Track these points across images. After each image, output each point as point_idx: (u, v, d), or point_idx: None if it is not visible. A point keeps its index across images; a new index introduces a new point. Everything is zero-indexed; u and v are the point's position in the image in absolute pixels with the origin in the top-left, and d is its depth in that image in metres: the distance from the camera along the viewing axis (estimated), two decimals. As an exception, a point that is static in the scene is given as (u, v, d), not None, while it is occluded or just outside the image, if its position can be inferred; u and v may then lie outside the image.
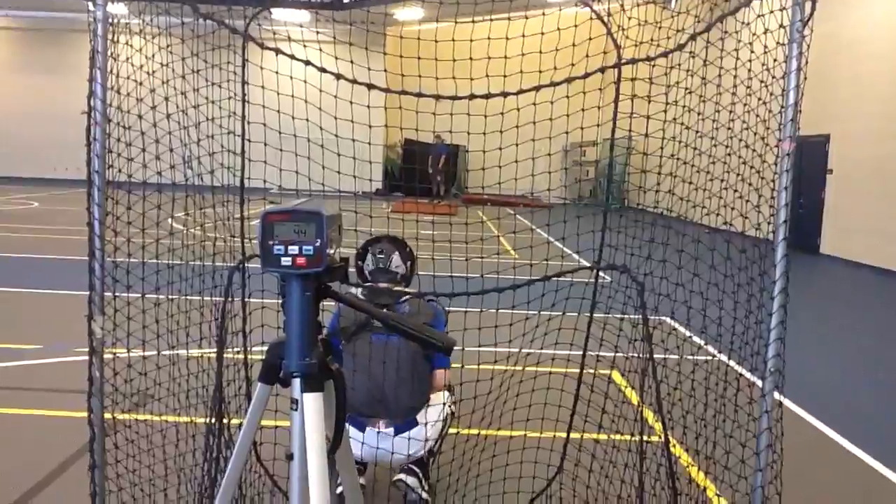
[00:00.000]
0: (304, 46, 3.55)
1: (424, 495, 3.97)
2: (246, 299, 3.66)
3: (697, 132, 3.49)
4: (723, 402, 3.32)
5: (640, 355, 3.49)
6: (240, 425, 2.19)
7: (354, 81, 3.44)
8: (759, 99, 3.21)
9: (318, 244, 1.84)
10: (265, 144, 3.68)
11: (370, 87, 3.45)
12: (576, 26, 3.71)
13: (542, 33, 3.75)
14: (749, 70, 3.22)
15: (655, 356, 3.42)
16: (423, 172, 27.58)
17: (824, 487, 4.64)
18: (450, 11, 3.66)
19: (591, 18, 3.78)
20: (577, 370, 3.89)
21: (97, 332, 3.07)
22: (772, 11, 3.08)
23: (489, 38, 3.77)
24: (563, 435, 4.03)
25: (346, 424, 2.04)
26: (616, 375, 3.92)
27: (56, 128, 30.20)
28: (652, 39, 3.46)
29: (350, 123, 3.67)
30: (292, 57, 3.48)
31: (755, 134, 3.25)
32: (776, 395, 2.96)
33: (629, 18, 3.62)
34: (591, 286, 3.76)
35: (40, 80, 31.50)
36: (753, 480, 3.00)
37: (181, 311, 3.50)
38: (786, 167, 2.93)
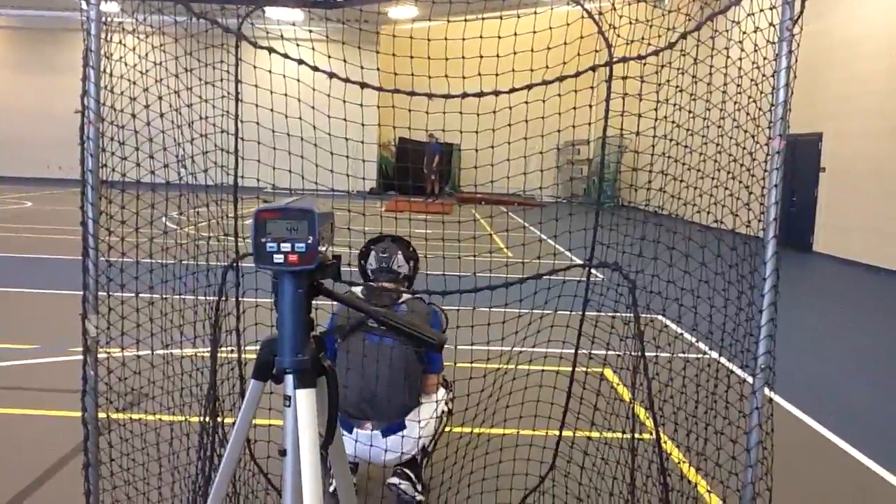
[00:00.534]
0: (298, 45, 3.56)
1: (419, 497, 3.99)
2: (239, 298, 3.67)
3: (688, 130, 3.51)
4: (714, 399, 3.34)
5: (632, 353, 3.51)
6: (233, 423, 2.20)
7: (347, 80, 3.45)
8: (750, 97, 3.23)
9: (310, 242, 1.86)
10: (258, 143, 3.69)
11: (363, 85, 3.47)
12: (567, 25, 3.73)
13: (534, 32, 3.76)
14: (739, 68, 3.24)
15: (647, 353, 3.44)
16: (416, 171, 27.62)
17: (817, 485, 4.67)
18: (442, 10, 3.68)
19: (582, 17, 3.80)
20: (570, 368, 3.91)
21: (91, 331, 3.08)
22: (762, 10, 3.10)
23: (481, 37, 3.78)
24: (556, 432, 4.05)
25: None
26: (608, 373, 3.94)
27: (49, 127, 30.16)
28: (643, 38, 3.48)
29: (343, 122, 3.68)
30: (285, 56, 3.49)
31: (745, 132, 3.27)
32: (766, 391, 2.98)
33: (620, 17, 3.63)
34: (583, 284, 3.78)
35: (34, 79, 31.43)
36: (744, 476, 3.02)
37: (175, 309, 3.51)
38: (776, 165, 2.95)
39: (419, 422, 3.96)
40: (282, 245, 1.85)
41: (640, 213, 3.63)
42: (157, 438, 3.62)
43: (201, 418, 3.52)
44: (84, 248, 3.07)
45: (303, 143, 3.82)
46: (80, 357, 3.13)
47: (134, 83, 3.37)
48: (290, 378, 1.92)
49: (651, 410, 3.42)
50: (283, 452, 1.94)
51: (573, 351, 3.85)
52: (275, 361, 1.95)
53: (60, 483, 4.17)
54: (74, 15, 27.26)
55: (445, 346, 2.13)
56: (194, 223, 3.60)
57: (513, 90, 3.45)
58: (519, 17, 3.89)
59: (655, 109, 3.49)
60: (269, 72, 3.60)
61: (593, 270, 3.73)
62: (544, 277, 3.68)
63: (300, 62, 3.49)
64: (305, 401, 1.90)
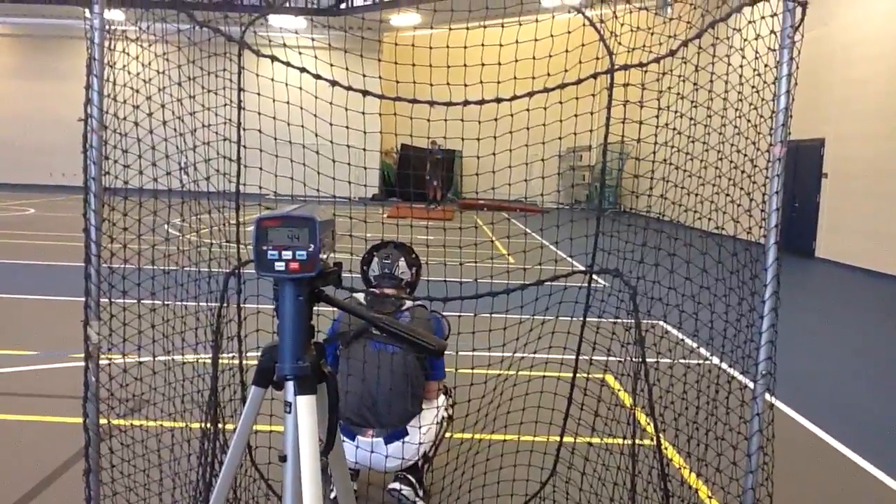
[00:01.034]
0: (300, 53, 3.58)
1: (420, 502, 3.99)
2: (241, 304, 3.68)
3: (690, 137, 3.52)
4: (715, 405, 3.34)
5: (633, 359, 3.52)
6: (234, 430, 2.20)
7: (350, 88, 3.47)
8: (751, 104, 3.24)
9: (311, 249, 1.86)
10: (261, 151, 3.71)
11: (365, 93, 3.48)
12: (569, 32, 3.74)
13: (536, 39, 3.78)
14: (741, 75, 3.25)
15: (648, 359, 3.44)
16: (418, 178, 27.63)
17: (816, 489, 4.66)
18: (444, 18, 3.70)
19: (583, 25, 3.81)
20: (571, 374, 3.91)
21: (93, 337, 3.09)
22: (763, 17, 3.11)
23: (483, 45, 3.80)
24: (557, 438, 4.05)
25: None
26: (609, 379, 3.94)
27: (53, 134, 30.23)
28: (644, 45, 3.49)
29: (345, 129, 3.70)
30: (287, 64, 3.51)
31: (746, 138, 3.28)
32: (767, 397, 2.99)
33: (621, 25, 3.65)
34: (584, 290, 3.79)
35: (37, 87, 31.50)
36: (745, 482, 3.02)
37: (176, 316, 3.52)
38: (777, 171, 2.96)
39: (420, 428, 3.96)
40: (283, 253, 1.86)
41: (641, 220, 3.64)
42: (159, 444, 3.62)
43: (202, 424, 3.52)
44: (86, 255, 3.08)
45: (305, 150, 3.83)
46: (82, 363, 3.14)
47: (137, 91, 3.39)
48: (290, 384, 1.93)
49: (652, 416, 3.42)
50: (283, 458, 1.95)
51: (574, 357, 3.86)
52: (275, 368, 1.96)
53: (61, 489, 4.17)
54: (78, 23, 27.37)
55: (446, 352, 2.13)
56: (196, 230, 3.61)
57: (514, 97, 3.47)
58: (521, 24, 3.91)
59: (657, 116, 3.50)
60: (272, 80, 3.61)
61: (595, 276, 3.73)
62: (546, 283, 3.69)
63: (303, 70, 3.50)
64: (306, 407, 1.90)
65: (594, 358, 3.77)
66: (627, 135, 3.53)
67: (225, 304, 3.55)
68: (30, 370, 6.37)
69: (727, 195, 3.38)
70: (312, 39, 3.91)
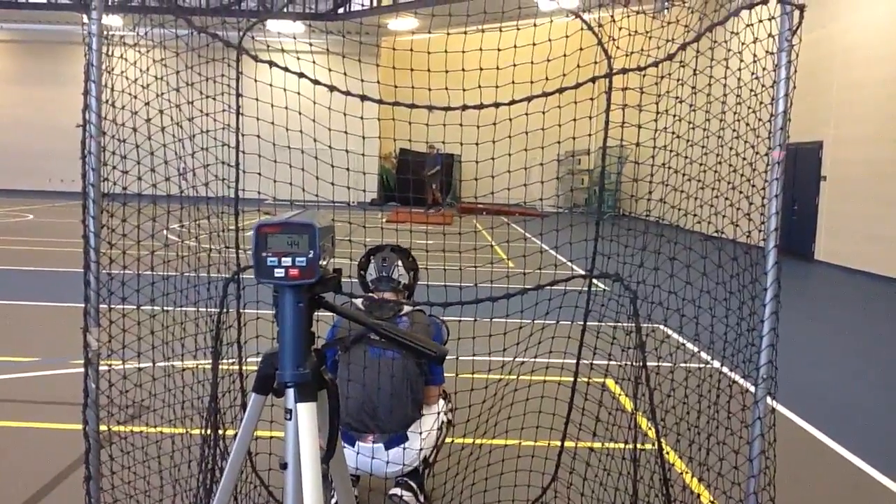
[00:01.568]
0: (298, 58, 3.58)
1: (421, 507, 3.98)
2: (241, 310, 3.68)
3: (689, 141, 3.52)
4: (716, 409, 3.33)
5: (634, 363, 3.51)
6: (235, 436, 2.20)
7: (348, 93, 3.47)
8: (750, 108, 3.24)
9: (310, 256, 1.86)
10: (259, 156, 3.70)
11: (363, 98, 3.48)
12: (567, 37, 3.74)
13: (534, 44, 3.78)
14: (739, 79, 3.25)
15: (649, 364, 3.44)
16: (417, 182, 27.65)
17: (819, 493, 4.65)
18: (442, 22, 3.70)
19: (581, 29, 3.81)
20: (571, 378, 3.91)
21: (92, 343, 3.08)
22: (761, 21, 3.11)
23: (481, 49, 3.80)
24: (558, 443, 4.05)
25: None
26: (610, 383, 3.93)
27: (51, 140, 30.21)
28: (642, 49, 3.49)
29: (344, 134, 3.69)
30: (286, 69, 3.51)
31: (746, 142, 3.27)
32: (769, 401, 2.98)
33: (620, 29, 3.65)
34: (584, 295, 3.79)
35: (36, 93, 31.50)
36: (747, 487, 3.02)
37: (176, 322, 3.51)
38: (776, 175, 2.96)
39: (421, 433, 3.95)
40: (282, 259, 1.86)
41: (640, 224, 3.63)
42: (159, 451, 3.61)
43: (202, 431, 3.52)
44: (85, 261, 3.08)
45: (303, 155, 3.83)
46: (82, 370, 3.13)
47: (135, 97, 3.38)
48: (291, 392, 1.92)
49: (653, 421, 3.42)
50: (284, 466, 1.94)
51: (575, 361, 3.85)
52: (276, 375, 1.95)
53: (61, 496, 4.16)
54: (76, 29, 27.37)
55: (447, 357, 2.13)
56: (195, 236, 3.61)
57: (513, 102, 3.47)
58: (519, 29, 3.91)
59: (655, 120, 3.50)
60: (270, 85, 3.61)
61: (594, 281, 3.73)
62: (546, 288, 3.69)
63: (301, 75, 3.50)
64: (306, 414, 1.90)
65: (595, 362, 3.77)
66: (626, 138, 3.53)
67: (225, 310, 3.54)
68: (30, 377, 6.36)
69: (726, 199, 3.37)
70: (310, 44, 3.91)
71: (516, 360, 3.88)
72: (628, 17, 3.70)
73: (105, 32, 3.06)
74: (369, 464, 3.88)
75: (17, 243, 15.25)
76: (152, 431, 3.61)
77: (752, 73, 3.18)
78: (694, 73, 3.41)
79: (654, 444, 3.48)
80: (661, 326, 3.40)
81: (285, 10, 25.09)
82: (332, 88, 3.47)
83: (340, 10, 25.72)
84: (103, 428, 3.22)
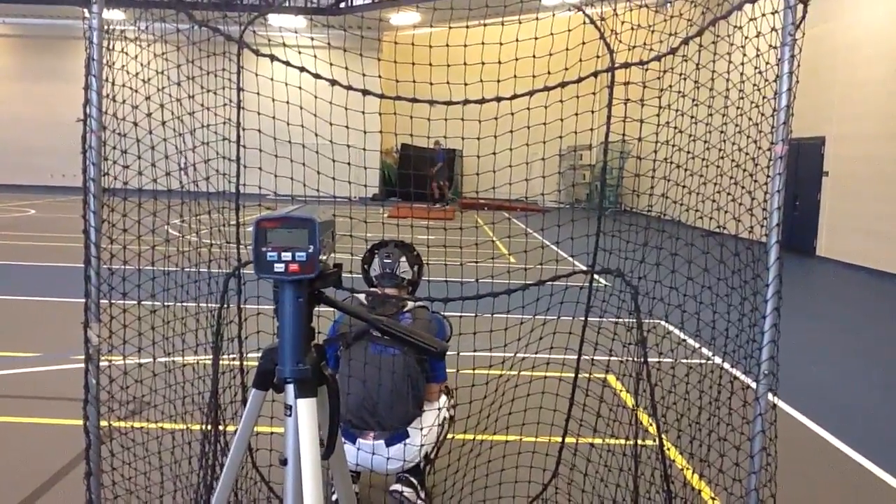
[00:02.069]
0: (300, 52, 3.57)
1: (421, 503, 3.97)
2: (241, 306, 3.67)
3: (691, 135, 3.51)
4: (717, 406, 3.33)
5: (635, 359, 3.50)
6: (235, 432, 2.19)
7: (349, 87, 3.45)
8: (752, 102, 3.22)
9: (310, 251, 1.85)
10: (260, 151, 3.69)
11: (365, 92, 3.47)
12: (569, 31, 3.73)
13: (536, 38, 3.76)
14: (742, 73, 3.24)
15: (650, 360, 3.43)
16: (419, 177, 27.63)
17: (820, 490, 4.65)
18: (444, 16, 3.69)
19: (584, 23, 3.80)
20: (572, 374, 3.90)
21: (93, 339, 3.08)
22: (764, 14, 3.10)
23: (483, 43, 3.78)
24: (559, 439, 4.04)
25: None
26: (611, 379, 3.93)
27: (52, 135, 30.21)
28: (645, 43, 3.48)
29: (345, 129, 3.68)
30: (287, 63, 3.50)
31: (748, 137, 3.26)
32: (770, 397, 2.97)
33: (622, 22, 3.63)
34: (585, 290, 3.78)
35: (36, 88, 31.49)
36: (748, 483, 3.01)
37: (177, 317, 3.50)
38: (779, 170, 2.94)
39: (422, 429, 3.94)
40: (282, 254, 1.85)
41: (642, 219, 3.62)
42: (159, 447, 3.61)
43: (203, 426, 3.51)
44: (86, 257, 3.07)
45: (304, 150, 3.82)
46: (82, 365, 3.13)
47: (136, 92, 3.37)
48: (290, 387, 1.92)
49: (654, 417, 3.41)
50: (284, 462, 1.93)
51: (576, 357, 3.84)
52: (276, 370, 1.95)
53: (62, 492, 4.16)
54: (77, 24, 27.37)
55: (448, 353, 2.12)
56: (196, 231, 3.60)
57: (515, 96, 3.45)
58: (521, 23, 3.89)
59: (657, 115, 3.48)
60: (271, 79, 3.60)
61: (596, 276, 3.72)
62: (547, 283, 3.68)
63: (302, 70, 3.49)
64: (306, 410, 1.89)
65: (596, 358, 3.76)
66: (628, 133, 3.51)
67: (225, 306, 3.54)
68: (30, 372, 6.36)
69: (728, 194, 3.36)
70: (312, 38, 3.90)
71: (517, 355, 3.87)
72: (631, 10, 3.68)
73: (106, 27, 3.05)
74: (370, 460, 3.87)
75: (18, 238, 15.25)
76: (153, 427, 3.61)
77: (755, 68, 3.16)
78: (697, 68, 3.39)
79: (654, 441, 3.48)
80: (663, 322, 3.39)
81: (287, 4, 25.06)
82: (333, 83, 3.46)
83: (342, 4, 25.70)
84: (104, 423, 3.21)
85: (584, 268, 3.75)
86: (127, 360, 3.30)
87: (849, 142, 16.00)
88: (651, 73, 3.46)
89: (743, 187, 3.28)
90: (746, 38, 3.20)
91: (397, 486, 3.96)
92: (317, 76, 3.45)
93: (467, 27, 3.79)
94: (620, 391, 4.12)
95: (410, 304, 4.08)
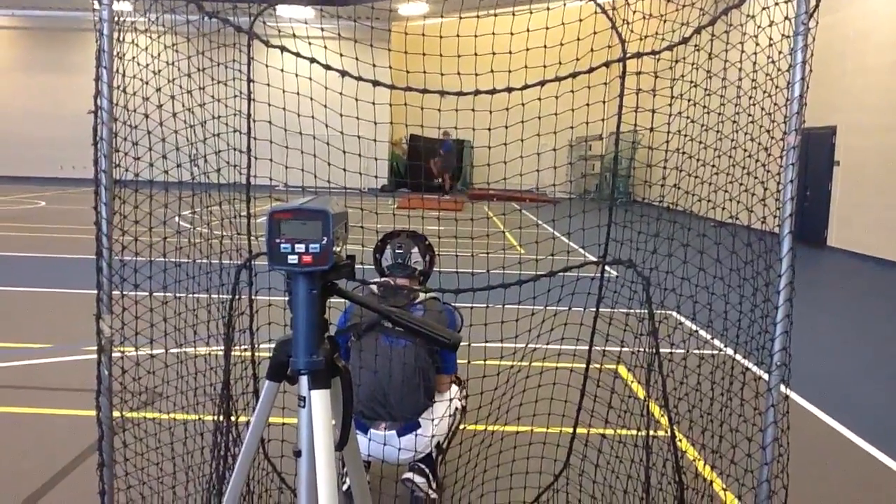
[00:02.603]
0: (310, 43, 3.56)
1: (433, 494, 3.98)
2: (253, 297, 3.68)
3: (703, 126, 3.49)
4: (729, 397, 3.32)
5: (647, 350, 3.50)
6: (247, 423, 2.20)
7: (360, 78, 3.45)
8: (765, 92, 3.20)
9: (324, 242, 1.84)
10: (271, 142, 3.69)
11: (375, 83, 3.46)
12: (580, 21, 3.70)
13: (547, 28, 3.75)
14: (754, 63, 3.21)
15: (661, 351, 3.42)
16: (428, 168, 27.62)
17: (832, 481, 4.64)
18: (454, 6, 3.67)
19: (595, 13, 3.78)
20: (584, 365, 3.89)
21: (105, 330, 3.09)
22: (777, 3, 3.08)
23: (493, 34, 3.76)
24: (570, 430, 4.04)
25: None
26: (622, 370, 3.92)
27: (63, 127, 30.30)
28: (657, 33, 3.46)
29: (355, 120, 3.68)
30: (297, 54, 3.49)
31: (761, 127, 3.24)
32: (782, 388, 2.96)
33: (633, 12, 3.61)
34: (596, 281, 3.77)
35: (47, 80, 31.57)
36: (760, 474, 3.01)
37: (188, 309, 3.51)
38: (791, 160, 2.93)
39: (433, 420, 3.95)
40: (296, 246, 1.84)
41: (653, 210, 3.61)
42: (172, 438, 3.62)
43: (215, 417, 3.52)
44: (98, 248, 3.08)
45: (315, 141, 3.81)
46: (95, 356, 3.14)
47: (146, 83, 3.37)
48: (304, 379, 1.92)
49: (666, 408, 3.40)
50: (298, 453, 1.93)
51: (587, 348, 3.84)
52: (289, 362, 1.95)
53: (75, 483, 4.19)
54: (87, 15, 27.36)
55: (460, 344, 2.12)
56: (207, 222, 3.60)
57: (525, 87, 3.44)
58: (531, 13, 3.88)
59: (669, 105, 3.46)
60: (282, 70, 3.59)
61: (607, 267, 3.71)
62: (558, 274, 3.67)
63: (312, 60, 3.48)
64: (320, 402, 1.89)
65: (607, 349, 3.75)
66: (640, 124, 3.50)
67: (237, 297, 3.54)
68: (43, 363, 6.39)
69: (741, 184, 3.34)
70: (322, 29, 3.88)
71: (528, 346, 3.87)
72: (642, 0, 3.66)
73: (116, 18, 3.05)
74: (381, 451, 3.88)
75: (30, 230, 15.31)
76: (165, 418, 3.62)
77: (768, 57, 3.14)
78: (709, 57, 3.37)
79: (666, 432, 3.47)
80: (674, 313, 3.38)
81: (295, -5, 24.99)
82: (343, 73, 3.45)
83: (351, -4, 25.63)
84: (116, 415, 3.22)
85: (596, 259, 3.74)
86: (139, 351, 3.31)
87: (860, 131, 15.90)
88: (663, 62, 3.44)
89: (755, 177, 3.26)
90: (759, 27, 3.18)
91: (409, 475, 3.97)
92: (327, 67, 3.44)
93: (478, 17, 3.78)
94: (632, 382, 4.11)
95: (422, 295, 4.08)
